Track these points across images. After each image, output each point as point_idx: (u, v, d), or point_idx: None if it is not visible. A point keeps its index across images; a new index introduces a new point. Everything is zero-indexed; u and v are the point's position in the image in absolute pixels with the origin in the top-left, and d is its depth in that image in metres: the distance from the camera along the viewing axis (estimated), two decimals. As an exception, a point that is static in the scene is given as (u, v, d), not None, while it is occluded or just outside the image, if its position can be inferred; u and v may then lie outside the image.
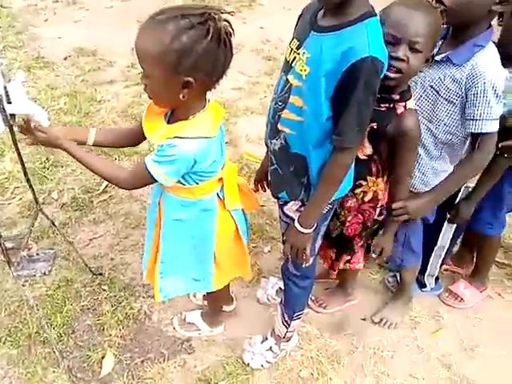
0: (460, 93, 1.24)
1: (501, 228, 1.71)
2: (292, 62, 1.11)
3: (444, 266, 2.04)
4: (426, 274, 1.83)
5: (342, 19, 1.02)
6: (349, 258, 1.60)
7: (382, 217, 1.47)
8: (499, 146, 1.38)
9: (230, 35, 1.01)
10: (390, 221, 1.41)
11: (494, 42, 1.26)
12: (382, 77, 1.07)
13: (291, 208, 1.28)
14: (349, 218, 1.46)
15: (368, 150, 1.30)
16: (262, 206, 2.24)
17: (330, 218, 1.34)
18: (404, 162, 1.29)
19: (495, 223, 1.67)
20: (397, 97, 1.24)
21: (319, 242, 1.38)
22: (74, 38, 3.81)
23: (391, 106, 1.24)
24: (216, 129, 1.13)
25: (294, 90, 1.11)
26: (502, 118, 1.32)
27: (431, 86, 1.28)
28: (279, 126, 1.18)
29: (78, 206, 2.19)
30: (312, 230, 1.22)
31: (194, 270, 1.38)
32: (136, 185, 1.19)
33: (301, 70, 1.07)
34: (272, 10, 4.71)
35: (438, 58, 1.26)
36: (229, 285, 1.67)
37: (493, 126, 1.26)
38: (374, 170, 1.34)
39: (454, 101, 1.26)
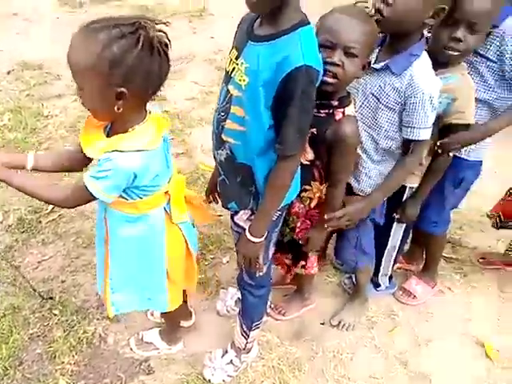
0: (399, 100, 1.29)
1: (445, 226, 1.79)
2: (231, 72, 1.12)
3: (397, 265, 2.11)
4: (380, 274, 1.88)
5: (276, 28, 1.03)
6: (303, 263, 1.62)
7: None
8: (437, 144, 1.45)
9: (166, 46, 1.00)
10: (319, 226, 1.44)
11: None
12: (318, 83, 1.09)
13: (241, 217, 1.28)
14: (298, 224, 1.49)
15: (310, 155, 1.33)
16: (220, 215, 2.23)
17: (280, 224, 1.35)
18: (340, 168, 1.33)
19: (439, 221, 1.74)
20: (335, 103, 1.27)
21: (272, 249, 1.39)
22: (17, 51, 3.67)
23: (330, 111, 1.27)
24: (157, 141, 1.11)
25: (234, 100, 1.12)
26: (438, 118, 1.40)
27: (372, 94, 1.33)
28: (223, 137, 1.19)
29: (24, 227, 2.10)
30: (263, 238, 1.23)
31: (147, 289, 1.35)
32: (78, 203, 1.15)
33: (240, 80, 1.08)
34: (222, 20, 4.73)
35: (377, 66, 1.30)
36: (186, 299, 1.64)
37: (427, 134, 1.32)
38: (316, 175, 1.37)
39: (394, 108, 1.31)
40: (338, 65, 1.19)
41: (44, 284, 1.84)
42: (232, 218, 1.32)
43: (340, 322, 1.81)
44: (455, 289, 2.06)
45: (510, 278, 2.13)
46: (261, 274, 1.38)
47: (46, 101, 3.09)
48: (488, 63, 1.43)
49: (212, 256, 2.07)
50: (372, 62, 1.31)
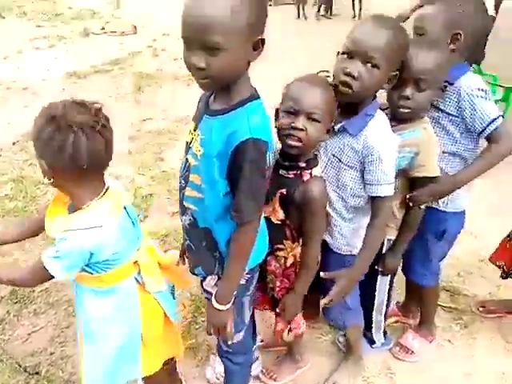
0: (359, 159, 1.33)
1: (435, 277, 1.75)
2: (190, 142, 1.18)
3: (393, 318, 2.06)
4: (373, 330, 1.83)
5: (228, 103, 1.09)
6: (289, 326, 1.59)
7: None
8: (407, 196, 1.46)
9: (103, 126, 1.09)
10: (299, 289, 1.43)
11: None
12: (281, 149, 1.18)
13: (209, 283, 1.28)
14: (277, 284, 1.48)
15: (280, 214, 1.35)
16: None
17: (253, 287, 1.34)
18: (311, 228, 1.34)
19: (428, 273, 1.71)
20: (303, 164, 1.32)
21: (248, 314, 1.37)
22: (23, 123, 3.87)
23: (298, 173, 1.31)
24: (113, 216, 1.15)
25: (192, 169, 1.17)
26: (405, 172, 1.42)
27: (333, 155, 1.36)
28: (185, 203, 1.22)
29: (18, 298, 2.11)
30: (229, 305, 1.22)
31: (121, 358, 1.32)
32: (39, 282, 1.19)
33: (196, 151, 1.14)
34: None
35: (335, 128, 1.35)
36: (175, 367, 1.61)
37: (388, 190, 1.34)
38: (288, 234, 1.38)
39: (355, 166, 1.34)
40: (301, 129, 1.24)
41: (32, 358, 1.82)
42: (201, 283, 1.32)
43: (334, 384, 1.74)
44: (455, 341, 1.98)
45: (508, 326, 2.05)
46: (234, 341, 1.35)
47: (47, 169, 3.21)
48: (450, 118, 1.47)
49: (203, 319, 2.04)
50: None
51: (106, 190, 1.17)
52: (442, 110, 1.47)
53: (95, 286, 1.20)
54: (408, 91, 1.35)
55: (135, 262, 1.24)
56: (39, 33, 6.70)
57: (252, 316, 1.58)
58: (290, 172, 1.32)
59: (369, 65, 1.23)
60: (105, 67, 5.39)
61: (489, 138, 1.43)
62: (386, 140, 1.31)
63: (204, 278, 1.30)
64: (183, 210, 1.24)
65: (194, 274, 1.33)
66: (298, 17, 8.08)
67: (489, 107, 1.40)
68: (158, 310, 1.31)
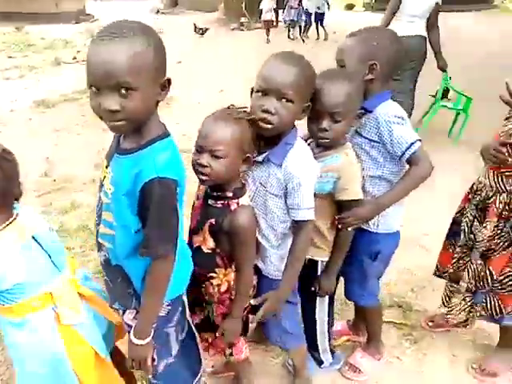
0: (282, 187, 1.38)
1: (373, 298, 1.79)
2: (103, 180, 1.20)
3: (345, 337, 2.09)
4: (320, 351, 1.85)
5: (137, 142, 1.12)
6: (230, 350, 1.61)
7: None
8: (336, 218, 1.51)
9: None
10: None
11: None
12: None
13: (128, 317, 1.30)
14: (214, 308, 1.50)
15: (210, 243, 1.39)
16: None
17: (177, 318, 1.36)
18: (241, 255, 1.38)
19: (365, 294, 1.75)
20: (230, 194, 1.36)
21: (174, 345, 1.38)
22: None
23: (226, 202, 1.36)
24: (14, 247, 1.18)
25: (104, 206, 1.20)
26: (331, 195, 1.49)
27: (261, 183, 1.42)
28: (99, 240, 1.25)
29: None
30: (148, 339, 1.23)
31: None
32: None
33: (107, 189, 1.17)
34: (187, 107, 5.04)
35: (259, 158, 1.40)
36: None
37: (309, 214, 1.39)
38: (220, 262, 1.41)
39: (279, 194, 1.40)
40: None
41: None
42: (122, 317, 1.34)
43: (281, 408, 1.75)
44: (405, 357, 2.01)
45: (460, 339, 2.10)
46: (159, 371, 1.36)
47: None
48: (372, 143, 1.54)
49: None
50: (255, 155, 1.41)
51: (13, 219, 1.20)
52: (364, 137, 1.54)
53: (9, 316, 1.22)
54: (324, 124, 1.42)
55: (50, 294, 1.25)
56: (11, 63, 6.76)
57: (195, 348, 1.60)
58: (218, 202, 1.37)
59: (283, 100, 1.29)
60: (74, 95, 5.45)
61: (409, 162, 1.50)
62: (304, 167, 1.37)
63: (123, 312, 1.31)
64: (99, 247, 1.26)
65: (111, 307, 1.35)
66: (268, 42, 8.34)
67: (406, 132, 1.48)
68: (82, 344, 1.31)
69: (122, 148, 1.16)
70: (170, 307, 1.30)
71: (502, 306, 1.76)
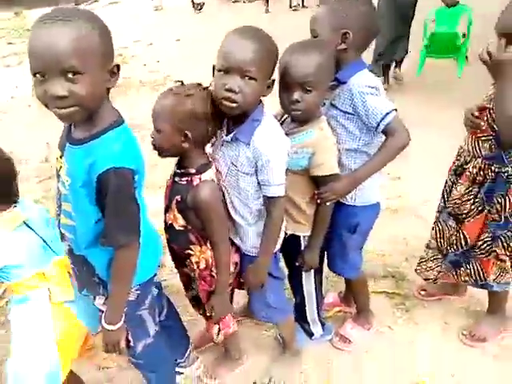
0: (252, 165, 1.37)
1: (355, 269, 1.79)
2: (59, 170, 1.19)
3: (336, 308, 2.12)
4: (310, 323, 1.88)
5: (89, 131, 1.09)
6: (218, 326, 1.65)
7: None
8: (315, 193, 1.51)
9: None
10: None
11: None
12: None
13: (99, 302, 1.33)
14: (197, 285, 1.54)
15: (181, 221, 1.40)
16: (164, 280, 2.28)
17: (149, 301, 1.38)
18: (211, 231, 1.39)
19: (346, 266, 1.76)
20: (193, 170, 1.37)
21: (151, 326, 1.41)
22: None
23: (189, 179, 1.37)
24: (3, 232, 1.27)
25: (63, 197, 1.19)
26: (307, 171, 1.47)
27: (232, 163, 1.41)
28: (61, 230, 1.26)
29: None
30: (119, 325, 1.25)
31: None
32: None
33: (64, 180, 1.16)
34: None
35: (228, 138, 1.39)
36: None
37: (279, 191, 1.39)
38: (193, 239, 1.43)
39: (251, 172, 1.39)
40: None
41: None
42: (93, 302, 1.36)
43: (270, 380, 1.80)
44: (396, 327, 2.03)
45: (452, 307, 2.10)
46: (138, 350, 1.40)
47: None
48: (347, 115, 1.50)
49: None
50: (225, 135, 1.40)
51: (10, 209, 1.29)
52: (339, 109, 1.51)
53: (13, 294, 1.35)
54: (296, 95, 1.39)
55: (43, 274, 1.33)
56: (10, 50, 6.76)
57: (178, 326, 1.63)
58: (183, 179, 1.39)
59: (246, 78, 1.26)
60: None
61: (385, 132, 1.47)
62: (272, 143, 1.35)
63: (94, 298, 1.34)
64: (61, 237, 1.28)
65: (81, 294, 1.36)
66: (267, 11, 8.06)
67: (380, 103, 1.44)
68: (71, 317, 1.40)
69: (73, 138, 1.13)
70: (139, 292, 1.32)
71: (484, 272, 1.76)
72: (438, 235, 1.84)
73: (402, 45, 4.30)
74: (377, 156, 1.50)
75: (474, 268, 1.78)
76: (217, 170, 1.44)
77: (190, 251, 1.45)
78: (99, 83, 1.05)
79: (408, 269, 2.36)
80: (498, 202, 1.62)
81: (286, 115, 1.52)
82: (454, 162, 1.79)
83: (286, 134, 1.47)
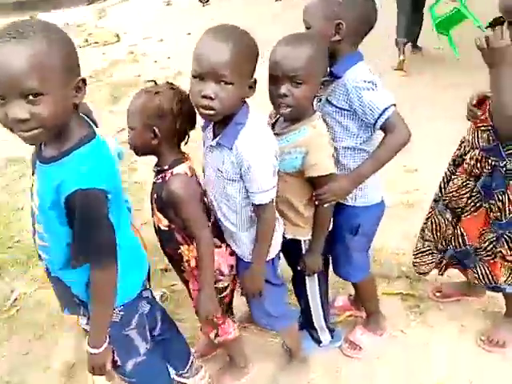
0: (237, 171, 1.29)
1: (361, 272, 1.70)
2: (32, 188, 1.14)
3: (347, 313, 2.03)
4: (318, 330, 1.80)
5: (58, 149, 1.04)
6: (215, 331, 1.59)
7: (221, 283, 1.48)
8: (313, 194, 1.42)
9: None
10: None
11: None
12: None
13: (82, 322, 1.29)
14: (192, 286, 1.50)
15: (164, 220, 1.37)
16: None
17: (137, 321, 1.31)
18: (189, 224, 1.33)
19: (351, 270, 1.67)
20: (166, 167, 1.34)
21: (141, 344, 1.35)
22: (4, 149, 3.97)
23: (164, 175, 1.34)
24: None
25: (36, 218, 1.14)
26: (302, 171, 1.38)
27: (218, 169, 1.33)
28: (39, 251, 1.21)
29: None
30: (103, 348, 1.19)
31: None
32: None
33: (35, 200, 1.11)
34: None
35: (213, 143, 1.31)
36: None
37: (265, 198, 1.30)
38: (179, 238, 1.39)
39: (237, 179, 1.31)
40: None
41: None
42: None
43: (277, 389, 1.73)
44: (409, 330, 1.93)
45: (469, 309, 1.98)
46: (129, 369, 1.34)
47: (21, 193, 3.30)
48: (343, 112, 1.40)
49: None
50: (211, 139, 1.33)
51: None
52: (335, 105, 1.41)
53: None
54: (284, 88, 1.29)
55: None
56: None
57: (176, 339, 1.57)
58: (159, 176, 1.36)
59: (222, 83, 1.17)
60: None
61: (384, 129, 1.36)
62: (255, 148, 1.26)
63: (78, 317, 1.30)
64: (39, 257, 1.23)
65: (63, 312, 1.32)
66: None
67: (377, 98, 1.33)
68: None
69: (43, 156, 1.07)
70: (122, 313, 1.26)
71: (493, 275, 1.64)
72: (434, 227, 1.75)
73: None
74: (376, 154, 1.39)
75: (482, 271, 1.67)
76: (205, 177, 1.38)
77: (180, 251, 1.41)
78: (63, 101, 0.98)
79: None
80: (498, 199, 1.52)
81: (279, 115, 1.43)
82: (455, 152, 1.68)
83: (278, 134, 1.39)
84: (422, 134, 2.44)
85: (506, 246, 1.58)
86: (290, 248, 1.57)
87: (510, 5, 1.33)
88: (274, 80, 1.31)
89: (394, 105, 1.34)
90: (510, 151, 1.46)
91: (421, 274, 1.88)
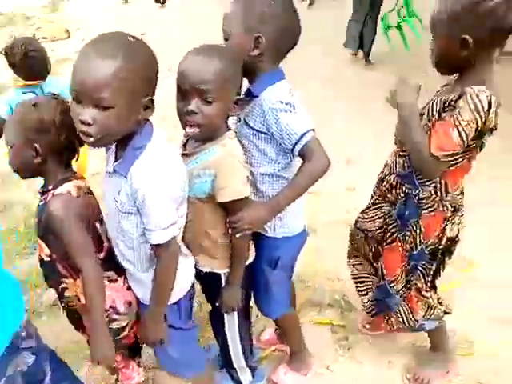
0: (133, 203, 1.11)
1: (281, 308, 1.56)
2: None
3: (272, 347, 1.88)
4: (237, 369, 1.62)
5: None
6: (115, 377, 1.40)
7: (117, 323, 1.30)
8: (227, 220, 1.27)
9: None
10: None
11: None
12: None
13: None
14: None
15: (45, 249, 1.22)
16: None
17: (6, 379, 1.11)
18: (70, 250, 1.15)
19: (271, 305, 1.53)
20: (50, 187, 1.21)
21: None
22: None
23: (46, 197, 1.20)
24: None
25: None
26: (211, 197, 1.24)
27: (114, 199, 1.14)
28: None
29: None
30: None
31: None
32: None
33: None
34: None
35: (109, 169, 1.13)
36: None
37: (159, 237, 1.12)
38: (62, 271, 1.23)
39: (134, 212, 1.13)
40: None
41: None
42: None
43: None
44: (335, 365, 1.81)
45: (399, 343, 1.89)
46: None
47: None
48: (260, 135, 1.26)
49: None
50: (111, 164, 1.14)
51: None
52: (252, 127, 1.27)
53: None
54: (193, 105, 1.15)
55: None
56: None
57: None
58: (42, 198, 1.22)
59: (101, 109, 1.00)
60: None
61: (302, 155, 1.23)
62: (153, 177, 1.08)
63: None
64: None
65: None
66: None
67: (295, 121, 1.20)
68: None
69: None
70: (10, 358, 1.09)
71: (411, 311, 1.57)
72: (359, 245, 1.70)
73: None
74: (294, 182, 1.26)
75: (403, 311, 1.59)
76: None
77: (63, 285, 1.24)
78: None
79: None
80: (413, 228, 1.46)
81: None
82: (378, 175, 1.61)
83: (188, 155, 1.23)
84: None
85: (422, 280, 1.52)
86: (209, 281, 1.41)
87: (434, 19, 1.26)
88: (183, 95, 1.16)
89: (313, 130, 1.22)
90: (422, 180, 1.39)
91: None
